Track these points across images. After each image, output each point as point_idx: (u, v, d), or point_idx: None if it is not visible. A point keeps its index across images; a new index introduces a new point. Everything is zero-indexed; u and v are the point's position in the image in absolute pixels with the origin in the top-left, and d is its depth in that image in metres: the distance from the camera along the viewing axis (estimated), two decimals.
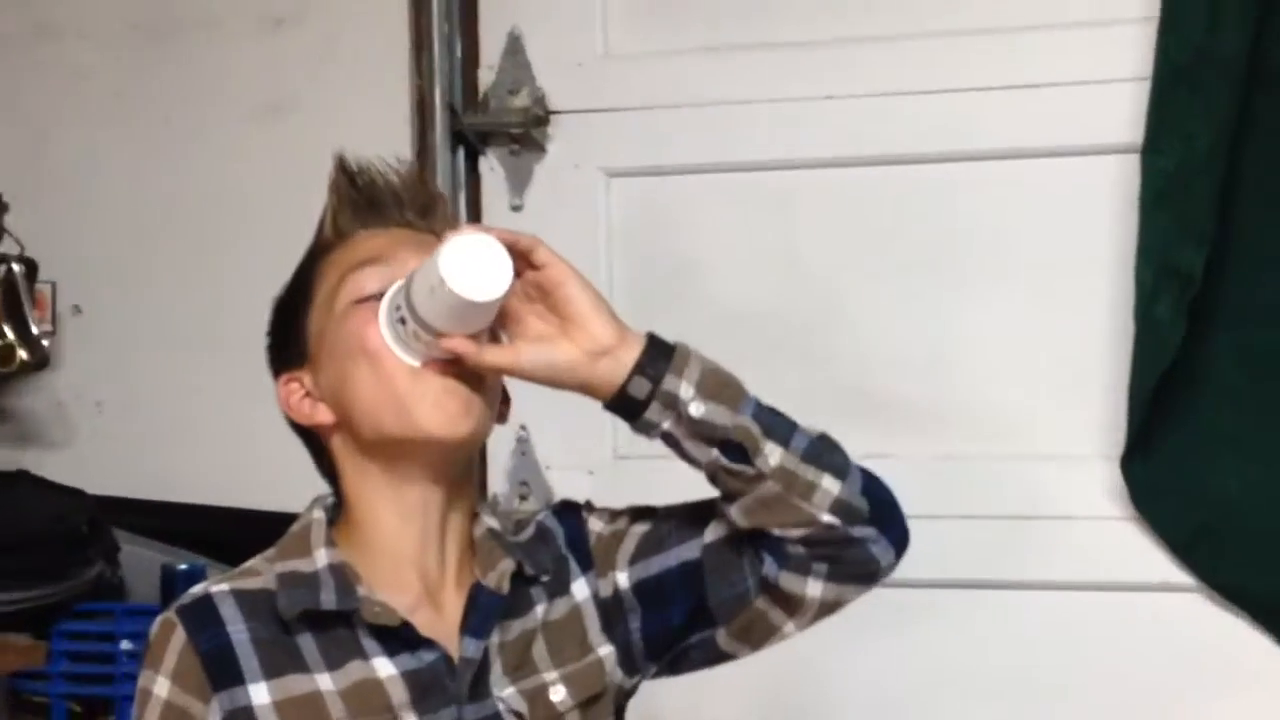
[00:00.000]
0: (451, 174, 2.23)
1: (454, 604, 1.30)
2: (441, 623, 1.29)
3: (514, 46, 2.24)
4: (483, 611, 1.29)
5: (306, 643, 1.26)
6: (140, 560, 2.15)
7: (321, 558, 1.30)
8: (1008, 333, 2.07)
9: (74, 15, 2.35)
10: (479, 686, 1.29)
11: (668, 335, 1.63)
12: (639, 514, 1.40)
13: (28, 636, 2.01)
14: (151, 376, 2.31)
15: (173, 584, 2.00)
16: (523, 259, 1.22)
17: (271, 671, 1.26)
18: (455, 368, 1.24)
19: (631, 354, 1.24)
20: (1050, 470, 2.04)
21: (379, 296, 1.25)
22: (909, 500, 1.89)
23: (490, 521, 1.35)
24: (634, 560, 1.34)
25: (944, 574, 2.02)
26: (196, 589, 1.34)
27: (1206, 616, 1.97)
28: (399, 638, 1.27)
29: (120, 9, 2.34)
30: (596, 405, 1.96)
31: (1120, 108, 1.96)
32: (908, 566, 1.86)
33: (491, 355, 1.23)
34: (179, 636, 1.28)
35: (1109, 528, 1.99)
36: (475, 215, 2.24)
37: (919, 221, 2.11)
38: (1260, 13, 1.86)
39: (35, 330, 2.17)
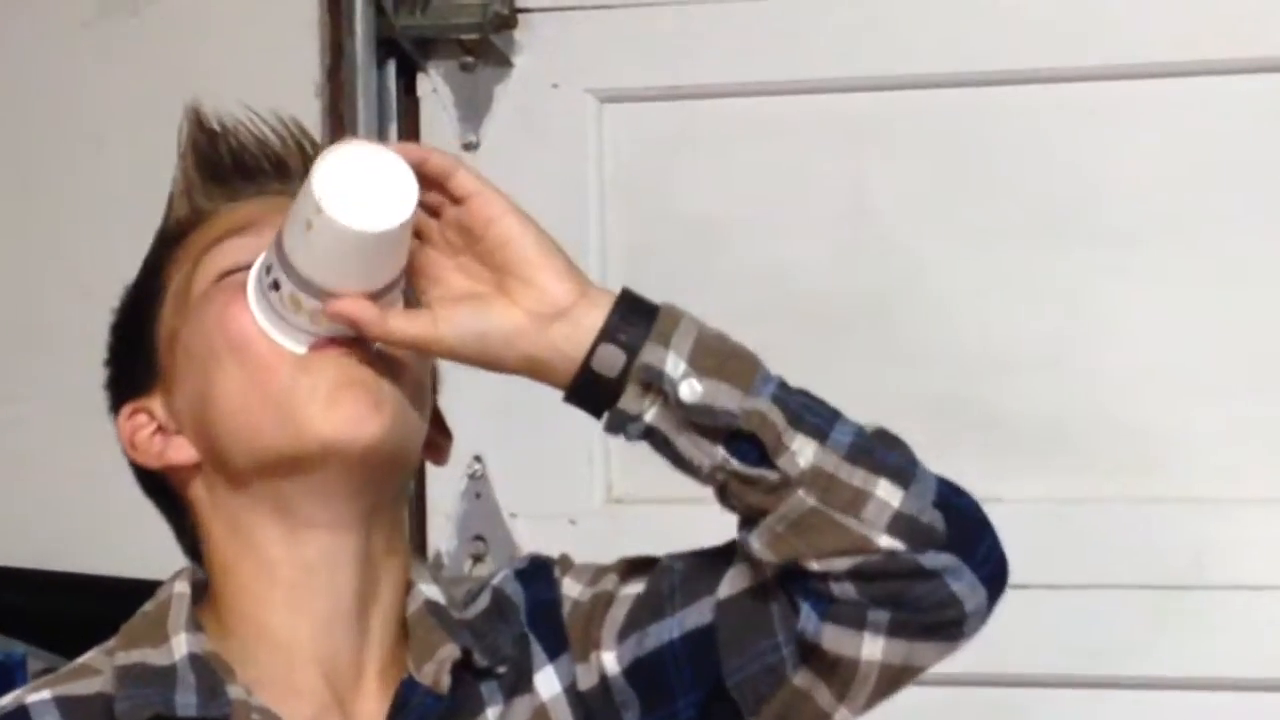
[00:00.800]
0: (378, 100, 2.09)
1: (374, 710, 1.21)
2: (361, 709, 1.23)
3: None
4: (412, 715, 1.21)
5: None
6: None
7: (181, 645, 1.21)
8: (1163, 323, 1.89)
9: None
10: None
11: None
12: (632, 568, 1.27)
13: None
14: None
15: (9, 674, 1.94)
16: (437, 188, 1.11)
17: None
18: (353, 348, 1.15)
19: (596, 315, 1.10)
20: (1219, 521, 1.89)
21: (248, 268, 1.18)
22: (1017, 562, 1.95)
23: (429, 591, 1.24)
24: (624, 634, 1.21)
25: (1060, 666, 1.93)
26: (7, 700, 1.22)
27: None
28: None
29: None
30: (580, 429, 1.81)
31: None
32: (1008, 656, 1.81)
33: (400, 323, 1.13)
34: None
35: None
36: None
37: (1034, 162, 1.93)
38: None
39: None
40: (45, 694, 1.23)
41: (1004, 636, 1.72)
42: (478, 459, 2.03)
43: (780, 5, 2.00)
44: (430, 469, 1.79)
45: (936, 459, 1.87)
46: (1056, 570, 1.89)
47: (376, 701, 1.21)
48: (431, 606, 1.23)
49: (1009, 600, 1.79)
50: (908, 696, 1.70)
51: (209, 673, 1.20)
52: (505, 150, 2.07)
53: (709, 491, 1.78)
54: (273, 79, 2.08)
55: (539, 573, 1.30)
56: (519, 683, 1.24)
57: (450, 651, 1.19)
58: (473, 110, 2.10)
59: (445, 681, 1.18)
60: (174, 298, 1.21)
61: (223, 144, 1.28)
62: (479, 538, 2.07)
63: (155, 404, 1.20)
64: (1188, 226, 1.91)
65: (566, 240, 1.74)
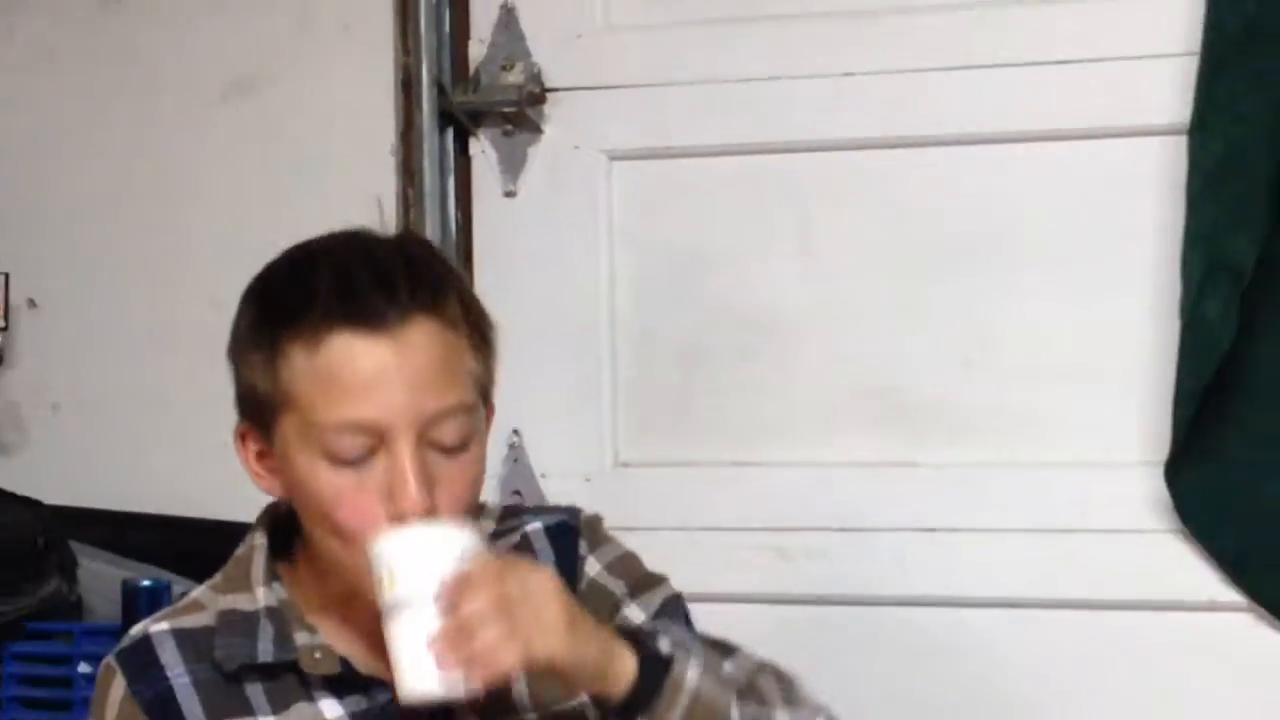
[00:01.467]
0: (439, 158, 2.16)
1: None
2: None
3: (507, 18, 2.16)
4: None
5: (252, 685, 1.25)
6: (100, 576, 2.07)
7: (261, 597, 1.28)
8: (1042, 331, 1.99)
9: None
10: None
11: (675, 331, 1.95)
12: (639, 586, 1.36)
13: None
14: (113, 376, 2.24)
15: (135, 601, 1.90)
16: None
17: (215, 715, 1.25)
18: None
19: (622, 687, 1.21)
20: (1089, 479, 1.97)
21: (353, 463, 1.20)
22: (936, 513, 2.06)
23: None
24: None
25: (973, 592, 1.99)
26: (136, 630, 1.32)
27: (1258, 638, 1.89)
28: (347, 679, 1.26)
29: None
30: (594, 409, 2.19)
31: (1166, 85, 1.88)
32: (934, 584, 2.03)
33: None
34: (119, 685, 1.27)
35: (1152, 541, 1.91)
36: (465, 202, 2.18)
37: (946, 210, 2.03)
38: None
39: None
40: (164, 625, 1.30)
41: (925, 572, 2.01)
42: (516, 432, 2.10)
43: (747, 90, 2.07)
44: (505, 460, 2.13)
45: (871, 437, 2.11)
46: (965, 518, 1.99)
47: None
48: None
49: (933, 539, 2.03)
50: (856, 614, 2.04)
51: (282, 622, 1.26)
52: (537, 197, 2.15)
53: (693, 458, 2.16)
54: (359, 143, 2.17)
55: (567, 539, 1.35)
56: None
57: None
58: (512, 166, 2.16)
59: None
60: (296, 430, 1.22)
61: (340, 280, 1.22)
62: (516, 492, 2.12)
63: (261, 440, 1.25)
64: (1056, 255, 1.99)
65: (583, 265, 2.20)
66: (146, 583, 1.94)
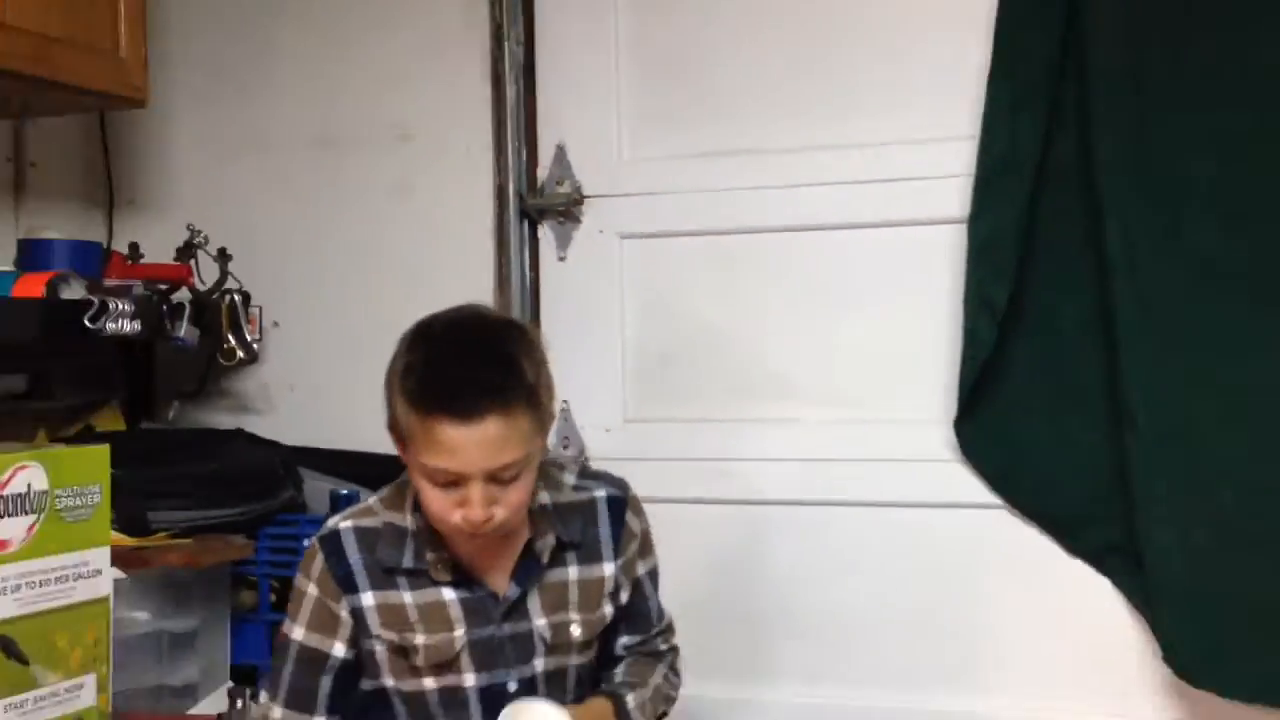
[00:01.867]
0: (519, 237, 2.35)
1: (512, 553, 1.49)
2: (499, 566, 1.47)
3: (560, 154, 2.36)
4: (525, 569, 1.48)
5: (400, 575, 1.47)
6: (317, 488, 2.26)
7: (409, 521, 1.47)
8: (878, 341, 2.21)
9: (275, 132, 2.47)
10: (516, 615, 1.47)
11: (660, 342, 2.07)
12: (644, 550, 1.57)
13: (243, 537, 2.09)
14: (327, 368, 2.42)
15: (337, 505, 2.13)
16: None
17: (376, 586, 1.47)
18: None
19: None
20: (907, 430, 2.18)
21: (442, 485, 1.36)
22: (811, 448, 2.23)
23: (544, 497, 1.50)
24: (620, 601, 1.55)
25: (832, 496, 2.22)
26: (331, 523, 1.51)
27: (1008, 525, 2.13)
28: (457, 580, 1.46)
29: (304, 128, 2.47)
30: (616, 383, 2.31)
31: (955, 194, 2.10)
32: (811, 492, 2.20)
33: None
34: (319, 560, 1.49)
35: (945, 467, 2.15)
36: (535, 264, 2.37)
37: (820, 270, 2.24)
38: (1046, 133, 2.01)
39: (249, 338, 2.33)
40: (349, 524, 1.49)
41: (806, 485, 2.21)
42: (565, 402, 2.34)
43: (708, 195, 2.28)
44: (559, 418, 2.23)
45: (772, 403, 2.25)
46: (828, 452, 2.22)
47: (513, 549, 1.49)
48: (543, 509, 1.50)
49: (810, 465, 2.17)
50: (764, 510, 2.24)
51: (421, 541, 1.46)
52: (578, 261, 2.35)
53: (671, 417, 2.30)
54: (471, 229, 2.36)
55: (618, 508, 1.54)
56: (593, 558, 1.52)
57: (549, 541, 1.49)
58: (563, 242, 2.38)
59: (546, 556, 1.49)
60: (413, 455, 1.37)
61: (437, 378, 1.35)
62: (566, 438, 2.36)
63: (399, 440, 1.41)
64: (889, 299, 2.20)
65: (605, 302, 2.30)
66: (344, 492, 2.19)
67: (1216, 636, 1.94)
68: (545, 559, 1.46)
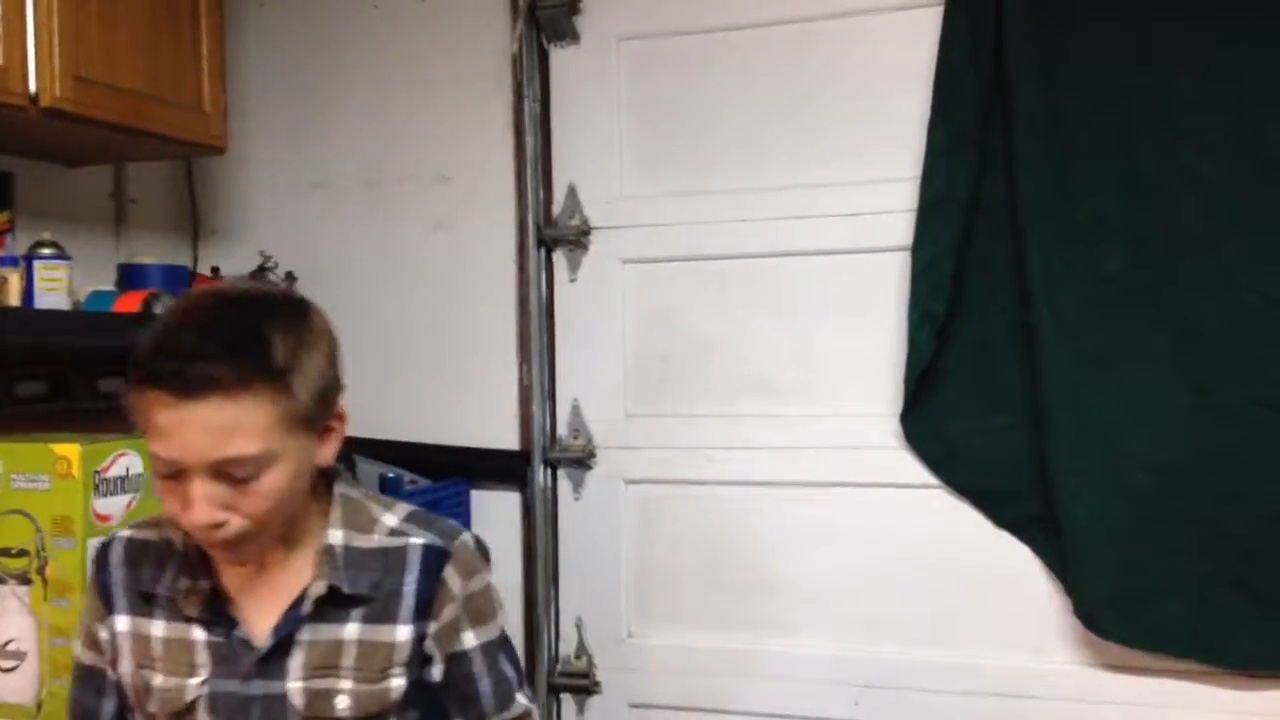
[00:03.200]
0: (537, 262, 2.36)
1: (289, 596, 1.12)
2: (269, 610, 1.12)
3: (571, 192, 2.37)
4: (290, 618, 1.11)
5: (155, 597, 1.15)
6: (367, 470, 2.26)
7: (180, 539, 1.15)
8: (840, 348, 2.22)
9: (335, 173, 2.47)
10: (270, 672, 1.10)
11: (655, 348, 2.02)
12: (476, 620, 1.15)
13: None
14: (372, 375, 2.38)
15: (384, 483, 2.21)
16: None
17: (133, 610, 1.15)
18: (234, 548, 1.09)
19: None
20: (862, 421, 2.21)
21: (168, 477, 1.04)
22: (783, 439, 2.22)
23: (336, 536, 1.13)
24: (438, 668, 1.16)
25: (802, 478, 2.24)
26: (117, 530, 1.21)
27: (946, 502, 2.14)
28: (216, 616, 1.11)
29: (359, 171, 2.46)
30: (615, 387, 2.32)
31: (900, 226, 2.12)
32: (784, 474, 2.19)
33: None
34: (91, 571, 1.20)
35: (894, 452, 2.17)
36: (550, 284, 2.39)
37: (789, 288, 2.25)
38: (977, 173, 2.02)
39: None
40: (126, 533, 1.18)
41: (779, 467, 2.19)
42: (576, 399, 2.36)
43: (691, 227, 2.27)
44: (570, 413, 2.34)
45: (755, 400, 2.23)
46: (799, 441, 2.21)
47: (289, 592, 1.12)
48: (329, 550, 1.11)
49: (779, 453, 2.17)
50: (741, 490, 2.24)
51: (184, 565, 1.13)
52: (587, 281, 2.35)
53: (663, 413, 2.31)
54: (494, 256, 2.36)
55: (435, 562, 1.13)
56: (383, 617, 1.12)
57: (319, 588, 1.10)
58: (574, 266, 2.37)
59: (308, 606, 1.10)
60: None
61: (157, 353, 1.02)
62: (576, 429, 2.37)
63: None
64: (847, 309, 2.19)
65: (609, 316, 2.31)
66: (391, 474, 2.23)
67: (1122, 595, 1.96)
68: (307, 609, 1.11)
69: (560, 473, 2.40)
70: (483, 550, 1.19)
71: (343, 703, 1.09)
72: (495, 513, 2.36)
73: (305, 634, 1.10)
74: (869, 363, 2.21)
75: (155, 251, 2.35)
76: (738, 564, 2.28)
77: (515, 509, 2.37)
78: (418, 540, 1.14)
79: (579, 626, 2.33)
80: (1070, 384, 1.97)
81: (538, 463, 2.38)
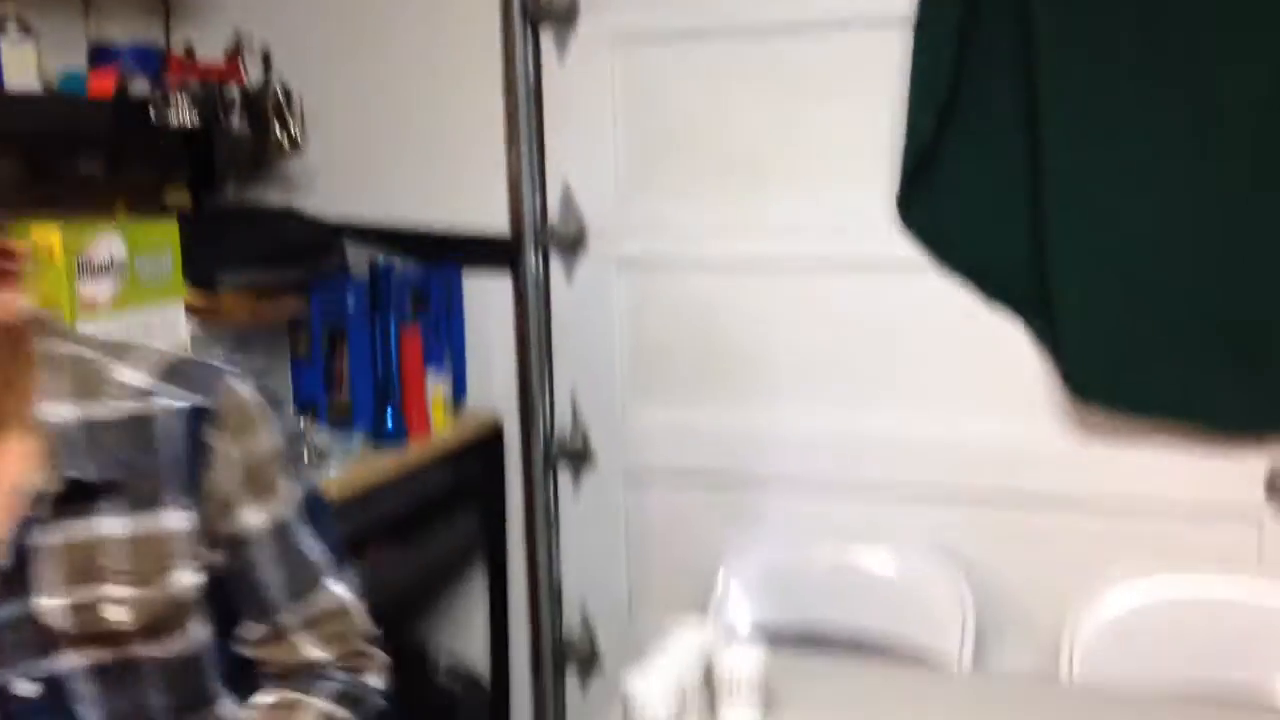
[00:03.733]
0: (524, 39, 2.29)
1: (13, 494, 0.90)
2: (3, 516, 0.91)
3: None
4: (24, 524, 0.90)
5: None
6: (359, 255, 2.33)
7: None
8: (833, 128, 2.19)
9: None
10: (15, 590, 0.90)
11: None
12: (256, 490, 0.95)
13: (300, 295, 2.13)
14: (359, 155, 2.42)
15: (376, 268, 2.27)
16: None
17: None
18: None
19: None
20: (856, 201, 2.20)
21: None
22: (778, 219, 2.27)
23: (63, 411, 0.89)
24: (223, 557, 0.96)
25: (790, 258, 2.26)
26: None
27: (941, 282, 2.17)
28: None
29: None
30: (610, 166, 2.36)
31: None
32: (772, 251, 2.26)
33: None
34: None
35: (886, 233, 2.17)
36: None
37: (783, 66, 2.19)
38: None
39: (293, 129, 2.26)
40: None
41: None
42: (566, 183, 2.37)
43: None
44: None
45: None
46: (763, 218, 2.27)
47: (19, 509, 0.91)
48: (57, 429, 0.89)
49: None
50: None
51: None
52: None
53: (669, 191, 2.34)
54: (478, 34, 2.29)
55: (196, 424, 0.92)
56: (145, 502, 0.91)
57: (52, 482, 0.89)
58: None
59: (46, 505, 0.90)
60: None
61: None
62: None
63: None
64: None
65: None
66: (380, 260, 2.29)
67: (1113, 362, 2.02)
68: (46, 510, 0.91)
69: (552, 257, 2.43)
70: (266, 398, 0.97)
71: (117, 613, 0.90)
72: (488, 297, 2.39)
73: (50, 538, 0.90)
74: (863, 144, 2.21)
75: (129, 28, 2.25)
76: (728, 342, 2.34)
77: (508, 294, 2.41)
78: (171, 403, 0.93)
79: (573, 402, 2.41)
80: (1071, 165, 1.97)
81: (529, 247, 2.39)
